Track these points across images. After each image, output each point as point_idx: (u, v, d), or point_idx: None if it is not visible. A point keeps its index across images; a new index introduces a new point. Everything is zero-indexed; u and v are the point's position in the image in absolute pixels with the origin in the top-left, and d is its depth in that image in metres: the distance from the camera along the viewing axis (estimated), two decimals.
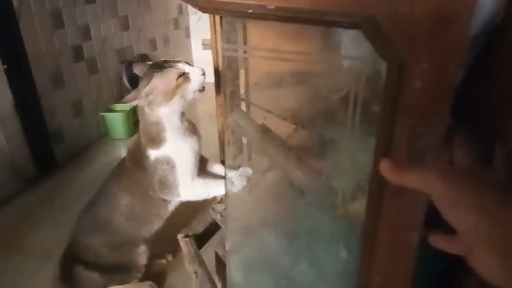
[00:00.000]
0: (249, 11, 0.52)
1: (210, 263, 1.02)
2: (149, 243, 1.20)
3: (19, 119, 1.83)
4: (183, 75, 0.94)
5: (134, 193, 1.09)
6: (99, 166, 2.10)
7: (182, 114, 1.03)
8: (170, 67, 0.96)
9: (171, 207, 1.12)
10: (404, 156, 0.46)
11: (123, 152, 2.31)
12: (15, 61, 1.80)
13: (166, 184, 1.02)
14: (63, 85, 2.09)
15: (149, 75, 0.97)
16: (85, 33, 2.20)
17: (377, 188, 0.49)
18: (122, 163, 1.14)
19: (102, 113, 2.30)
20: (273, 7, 0.50)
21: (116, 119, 2.30)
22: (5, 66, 1.73)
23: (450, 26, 0.40)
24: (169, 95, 0.94)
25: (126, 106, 2.37)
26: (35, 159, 1.94)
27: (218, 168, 1.14)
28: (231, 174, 0.71)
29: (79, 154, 2.20)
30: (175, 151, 1.01)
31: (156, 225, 1.16)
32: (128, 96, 0.99)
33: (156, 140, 1.01)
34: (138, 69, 1.06)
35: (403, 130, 0.46)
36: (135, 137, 2.45)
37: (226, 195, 0.83)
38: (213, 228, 1.11)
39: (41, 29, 1.92)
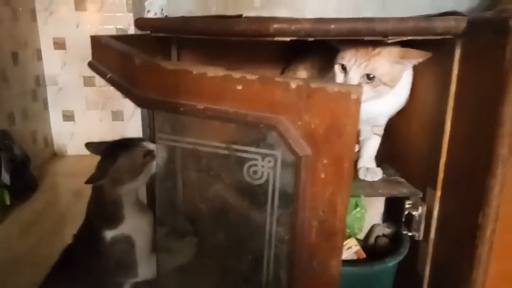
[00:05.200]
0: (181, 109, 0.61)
1: None
2: None
3: None
4: (149, 153, 0.94)
5: (84, 283, 1.00)
6: None
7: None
8: (135, 145, 0.95)
9: None
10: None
11: None
12: None
13: (124, 265, 0.96)
14: None
15: (114, 154, 0.93)
16: None
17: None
18: (67, 251, 1.03)
19: None
20: (202, 107, 0.60)
21: None
22: None
23: (342, 134, 0.54)
24: (136, 174, 0.93)
25: None
26: None
27: None
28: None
29: None
30: (133, 228, 0.97)
31: None
32: (93, 176, 0.92)
33: (113, 219, 0.97)
34: (91, 148, 1.01)
35: (313, 213, 0.58)
36: (13, 223, 2.22)
37: None
38: None
39: None
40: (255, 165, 0.61)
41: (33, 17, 2.98)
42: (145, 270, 1.00)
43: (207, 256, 0.78)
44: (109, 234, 0.99)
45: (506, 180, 0.68)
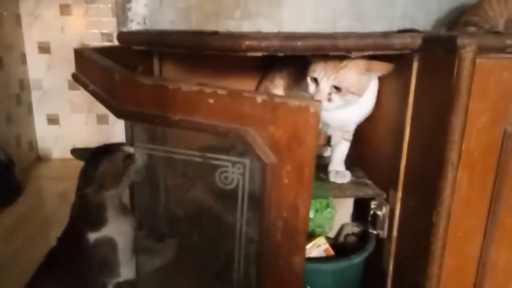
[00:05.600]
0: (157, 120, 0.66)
1: None
2: None
3: None
4: (129, 157, 0.98)
5: (69, 284, 1.04)
6: None
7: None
8: (115, 150, 0.99)
9: None
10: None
11: None
12: None
13: (107, 266, 1.00)
14: None
15: (96, 160, 0.98)
16: None
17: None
18: (52, 253, 1.07)
19: None
20: (177, 118, 0.65)
21: None
22: None
23: (302, 143, 0.60)
24: (119, 178, 0.97)
25: None
26: None
27: None
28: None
29: None
30: (116, 231, 1.02)
31: None
32: (80, 185, 0.96)
33: (97, 222, 1.01)
34: (76, 155, 1.05)
35: (278, 215, 0.64)
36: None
37: None
38: None
39: None
40: (226, 171, 0.67)
41: (18, 22, 2.99)
42: (127, 270, 1.04)
43: (184, 255, 0.83)
44: (92, 236, 1.03)
45: (457, 182, 0.75)
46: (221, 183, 0.68)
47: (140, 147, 0.72)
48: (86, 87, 0.78)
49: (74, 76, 0.87)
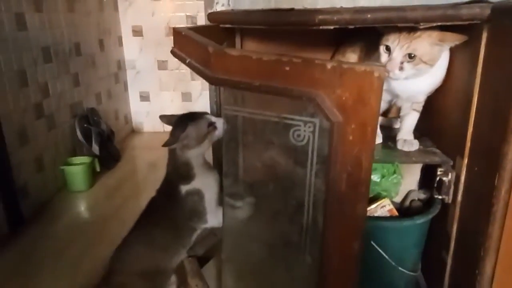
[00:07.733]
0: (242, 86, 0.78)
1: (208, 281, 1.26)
2: (176, 273, 1.35)
3: None
4: (211, 124, 1.16)
5: (165, 227, 1.26)
6: (65, 220, 2.15)
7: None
8: (200, 117, 1.17)
9: (194, 237, 1.30)
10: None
11: (83, 205, 2.42)
12: None
13: (196, 213, 1.21)
14: (27, 142, 2.16)
15: (184, 123, 1.17)
16: (45, 91, 2.32)
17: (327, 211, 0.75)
18: (152, 202, 1.29)
19: (62, 167, 2.38)
20: (258, 84, 0.77)
21: (76, 172, 2.40)
22: None
23: (366, 105, 0.68)
24: (201, 140, 1.16)
25: (84, 159, 2.49)
26: (6, 216, 1.97)
27: None
28: (239, 203, 0.94)
29: (43, 209, 2.23)
30: (203, 184, 1.22)
31: (182, 255, 1.32)
32: (167, 141, 1.15)
33: (187, 177, 1.21)
34: (165, 120, 1.26)
35: (343, 168, 0.73)
36: (102, 187, 2.61)
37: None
38: (212, 251, 1.37)
39: (10, 87, 2.01)
40: (299, 130, 0.78)
41: (115, 7, 3.33)
42: (213, 218, 1.22)
43: (261, 203, 0.97)
44: (184, 188, 1.22)
45: None
46: (294, 140, 0.79)
47: (227, 109, 0.86)
48: (183, 61, 0.93)
49: (172, 52, 1.03)
